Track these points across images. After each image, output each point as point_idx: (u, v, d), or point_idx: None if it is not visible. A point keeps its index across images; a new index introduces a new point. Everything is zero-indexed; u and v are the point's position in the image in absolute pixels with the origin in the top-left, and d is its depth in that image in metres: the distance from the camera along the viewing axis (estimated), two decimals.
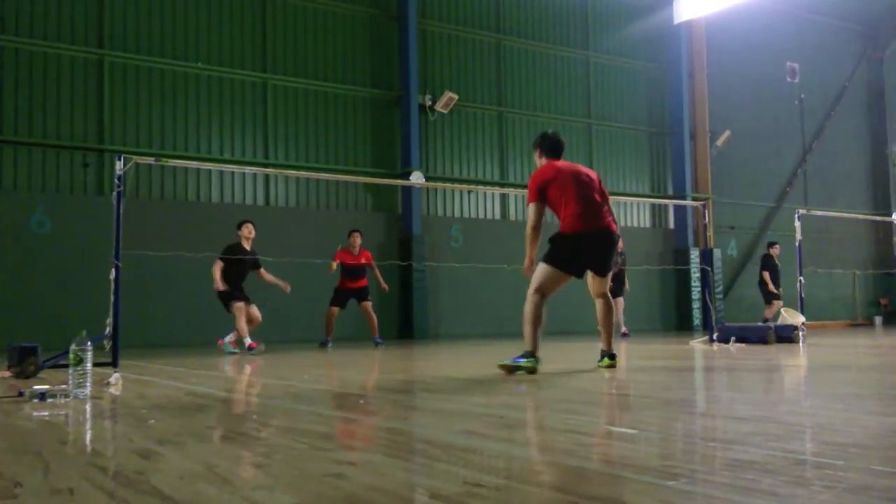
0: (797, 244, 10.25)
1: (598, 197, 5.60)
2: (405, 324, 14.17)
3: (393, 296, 13.83)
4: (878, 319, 20.71)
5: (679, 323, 17.58)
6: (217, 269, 8.95)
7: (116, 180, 6.27)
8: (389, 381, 5.08)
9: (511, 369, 5.17)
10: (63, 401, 3.71)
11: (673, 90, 18.24)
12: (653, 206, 17.95)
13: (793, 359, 6.70)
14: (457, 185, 14.61)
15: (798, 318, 9.63)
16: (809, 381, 4.83)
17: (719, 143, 18.56)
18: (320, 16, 14.43)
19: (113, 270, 6.10)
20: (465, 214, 15.47)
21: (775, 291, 13.76)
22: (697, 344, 9.47)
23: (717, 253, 17.67)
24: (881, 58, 21.93)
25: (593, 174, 5.77)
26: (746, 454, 2.12)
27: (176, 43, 13.03)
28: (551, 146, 5.81)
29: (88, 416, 3.35)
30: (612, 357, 5.63)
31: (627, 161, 17.62)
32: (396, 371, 6.09)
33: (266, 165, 13.26)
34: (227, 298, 9.04)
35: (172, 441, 2.56)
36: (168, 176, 12.65)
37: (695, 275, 17.49)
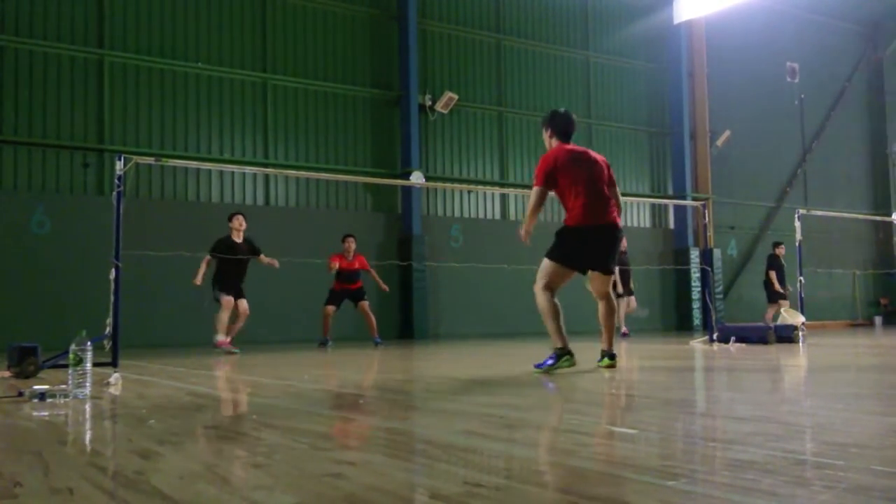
0: (797, 244, 10.25)
1: (606, 188, 5.48)
2: (405, 324, 14.17)
3: (393, 296, 13.83)
4: (878, 319, 20.71)
5: (679, 323, 17.58)
6: (203, 263, 9.04)
7: (116, 180, 6.27)
8: (389, 380, 5.08)
9: (549, 371, 5.15)
10: (63, 401, 3.71)
11: (673, 90, 18.24)
12: (653, 206, 17.96)
13: (793, 359, 6.70)
14: (457, 185, 14.61)
15: (798, 318, 9.62)
16: (809, 381, 4.83)
17: (719, 143, 18.56)
18: (320, 16, 14.43)
19: (113, 270, 6.10)
20: (465, 214, 15.47)
21: (781, 291, 13.78)
22: (697, 344, 9.47)
23: (717, 253, 17.68)
24: (881, 58, 21.92)
25: (603, 161, 5.62)
26: (746, 454, 2.12)
27: (176, 43, 13.03)
28: (563, 127, 5.61)
29: (88, 416, 3.35)
30: (612, 357, 5.57)
31: (627, 161, 17.62)
32: (396, 371, 6.09)
33: (266, 165, 13.26)
34: (216, 289, 9.11)
35: (172, 441, 2.56)
36: (168, 176, 12.65)
37: (695, 275, 17.49)
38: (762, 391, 4.24)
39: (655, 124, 18.24)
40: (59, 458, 2.30)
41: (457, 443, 2.45)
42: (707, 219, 10.19)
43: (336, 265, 10.48)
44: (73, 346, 3.84)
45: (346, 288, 10.65)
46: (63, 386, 3.85)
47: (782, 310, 10.62)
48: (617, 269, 9.91)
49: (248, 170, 11.28)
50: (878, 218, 19.67)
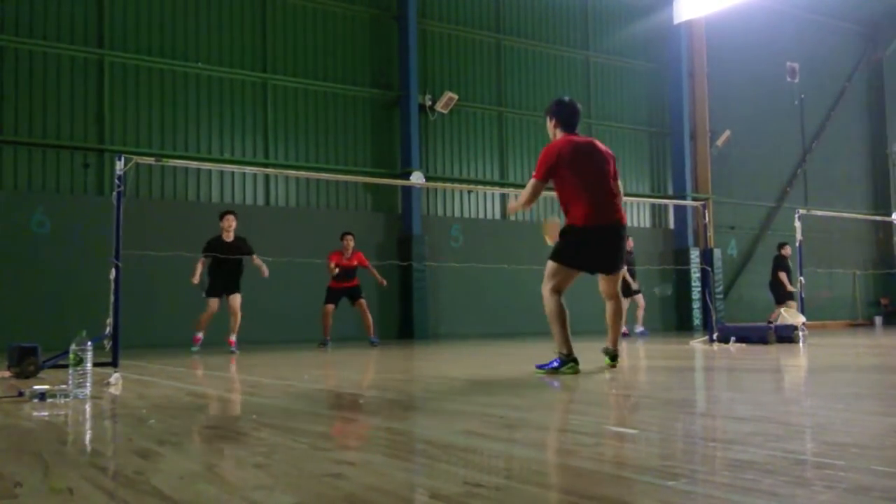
0: (797, 244, 10.26)
1: (613, 183, 5.27)
2: (405, 324, 14.18)
3: (393, 296, 13.84)
4: (878, 319, 20.71)
5: (679, 323, 17.59)
6: (198, 264, 9.32)
7: (117, 180, 6.27)
8: (389, 380, 5.08)
9: (551, 374, 5.07)
10: (63, 401, 3.71)
11: (673, 90, 18.24)
12: (653, 206, 17.96)
13: (793, 359, 6.70)
14: (457, 185, 14.61)
15: (798, 318, 9.62)
16: (809, 381, 4.83)
17: (719, 143, 18.56)
18: (320, 16, 14.43)
19: (113, 270, 6.10)
20: (465, 214, 15.48)
21: (792, 290, 13.75)
22: (697, 344, 9.47)
23: (717, 253, 17.68)
24: (881, 58, 21.92)
25: (609, 153, 5.40)
26: (746, 454, 2.12)
27: (176, 43, 13.03)
28: (568, 117, 5.36)
29: (88, 416, 3.35)
30: (615, 357, 5.49)
31: (627, 161, 17.61)
32: (396, 371, 6.09)
33: (266, 165, 13.26)
34: (203, 290, 9.47)
35: (172, 441, 2.56)
36: (168, 176, 12.65)
37: (695, 275, 17.49)
38: (762, 391, 4.24)
39: (655, 124, 18.24)
40: (59, 458, 2.30)
41: (457, 443, 2.45)
42: (707, 219, 10.19)
43: (334, 264, 10.48)
44: (73, 346, 3.84)
45: (343, 286, 10.66)
46: (63, 386, 3.84)
47: (782, 310, 10.61)
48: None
49: (249, 170, 11.29)
50: (878, 218, 19.68)
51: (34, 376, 5.17)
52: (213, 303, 9.49)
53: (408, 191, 14.33)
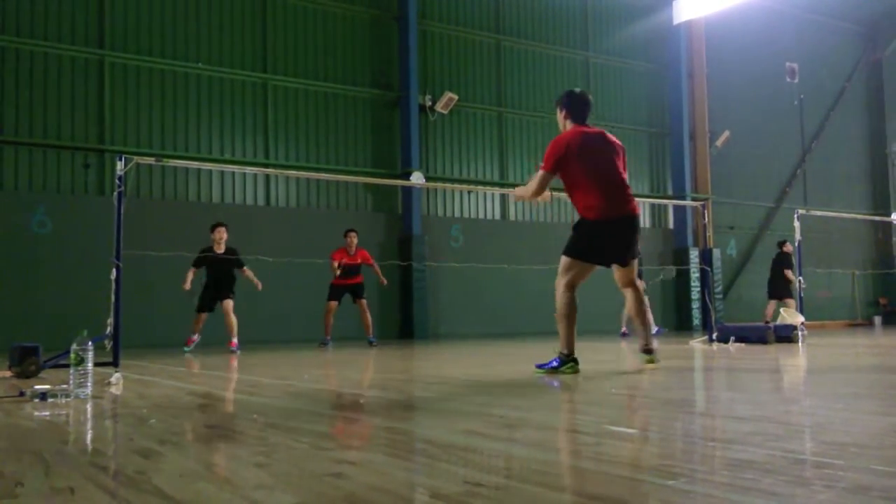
0: (797, 244, 10.25)
1: (623, 174, 5.21)
2: (405, 323, 14.18)
3: (393, 296, 13.84)
4: (877, 319, 20.71)
5: (679, 323, 17.59)
6: (189, 273, 9.47)
7: (117, 180, 6.26)
8: (389, 380, 5.08)
9: (550, 373, 5.04)
10: (64, 400, 3.72)
11: (672, 90, 18.25)
12: (652, 206, 17.96)
13: (792, 359, 6.70)
14: (457, 185, 14.62)
15: (797, 318, 9.62)
16: (809, 381, 4.83)
17: (719, 143, 18.57)
18: (320, 16, 14.43)
19: (114, 270, 6.10)
20: (465, 214, 15.48)
21: (792, 279, 13.72)
22: (697, 344, 9.48)
23: (716, 253, 17.69)
24: (881, 58, 21.93)
25: (618, 144, 5.33)
26: (746, 454, 2.12)
27: (176, 43, 13.03)
28: (579, 109, 5.28)
29: (89, 415, 3.35)
30: (650, 352, 5.33)
31: (627, 161, 17.60)
32: (396, 371, 6.09)
33: (266, 166, 13.27)
34: (196, 304, 9.68)
35: (173, 440, 2.57)
36: (168, 176, 12.66)
37: (694, 275, 17.50)
38: (761, 391, 4.24)
39: (655, 125, 18.24)
40: (61, 457, 2.30)
41: (457, 442, 2.46)
42: (706, 219, 10.20)
43: (338, 263, 10.48)
44: (74, 346, 3.84)
45: (346, 283, 10.66)
46: (64, 386, 3.85)
47: (782, 310, 10.61)
48: None
49: (249, 170, 11.28)
50: (878, 218, 19.67)
51: (35, 376, 5.18)
52: (202, 317, 9.68)
53: (408, 191, 14.33)
